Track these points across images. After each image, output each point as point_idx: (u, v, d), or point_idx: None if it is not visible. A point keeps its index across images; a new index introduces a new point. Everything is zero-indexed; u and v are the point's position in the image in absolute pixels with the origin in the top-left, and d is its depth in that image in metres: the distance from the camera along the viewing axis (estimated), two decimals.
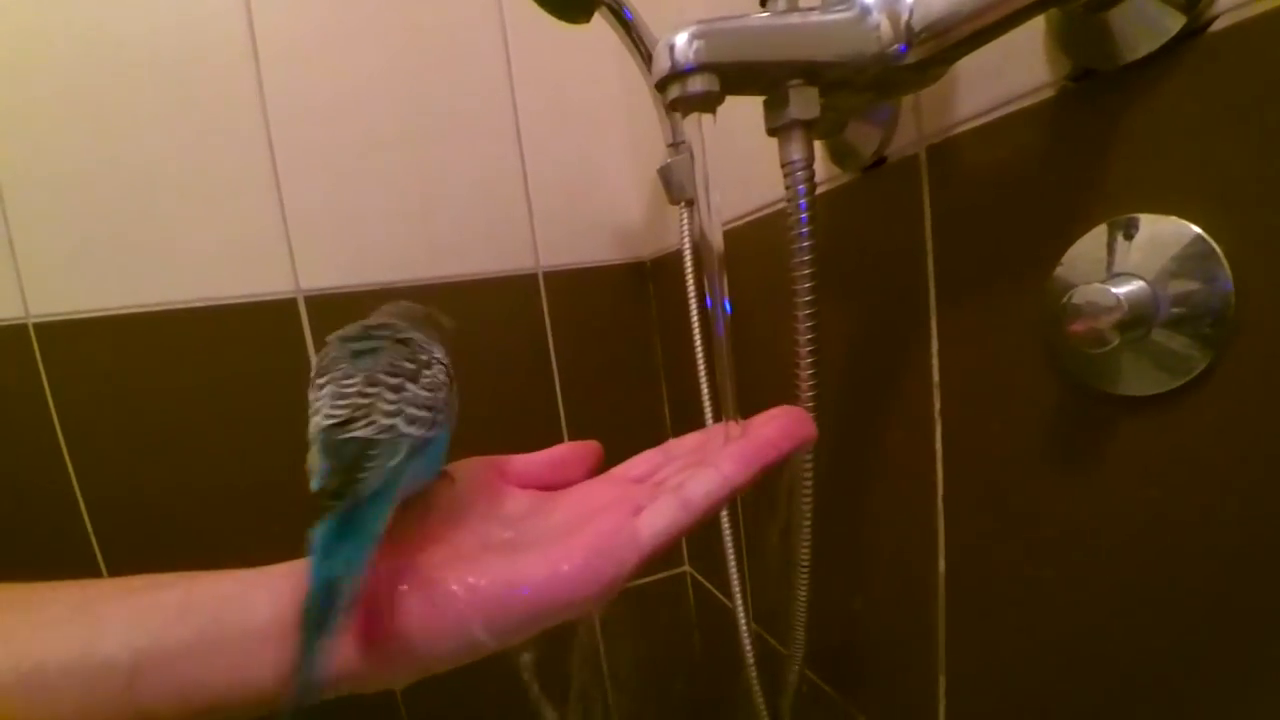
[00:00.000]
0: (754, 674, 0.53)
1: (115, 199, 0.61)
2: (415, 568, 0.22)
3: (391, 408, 0.26)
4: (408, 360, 0.28)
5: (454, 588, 0.21)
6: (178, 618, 0.21)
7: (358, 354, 0.28)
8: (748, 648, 0.55)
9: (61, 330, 0.60)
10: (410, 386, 0.27)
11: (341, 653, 0.20)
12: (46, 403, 0.60)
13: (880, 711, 0.50)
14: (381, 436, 0.24)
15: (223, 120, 0.63)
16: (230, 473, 0.66)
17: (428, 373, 0.28)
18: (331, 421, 0.25)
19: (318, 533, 0.22)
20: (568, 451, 0.31)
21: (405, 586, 0.21)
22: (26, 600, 0.21)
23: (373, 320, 0.31)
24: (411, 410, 0.26)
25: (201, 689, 0.20)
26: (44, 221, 0.59)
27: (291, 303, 0.67)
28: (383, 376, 0.26)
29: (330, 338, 0.29)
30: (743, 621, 0.56)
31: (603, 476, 0.30)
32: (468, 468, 0.29)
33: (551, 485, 0.30)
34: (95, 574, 0.62)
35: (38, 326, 0.59)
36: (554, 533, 0.24)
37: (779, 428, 0.26)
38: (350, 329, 0.30)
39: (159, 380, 0.63)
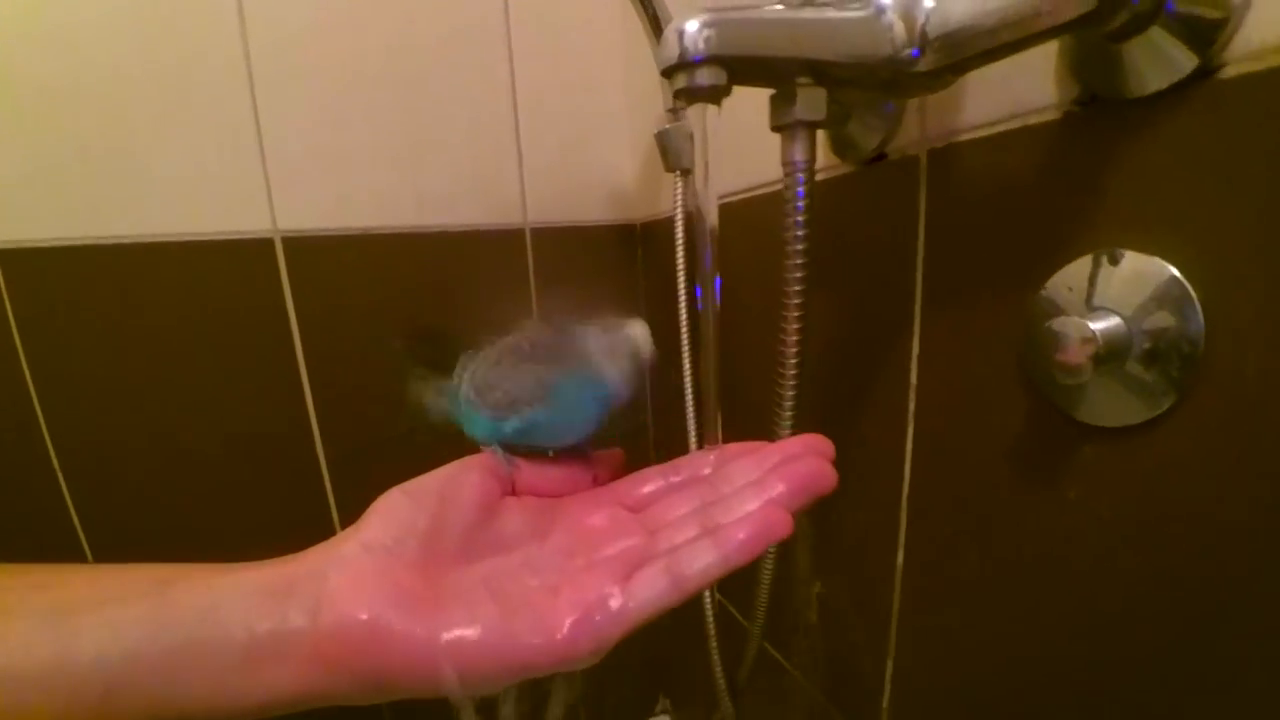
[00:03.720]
0: (714, 644, 0.55)
1: (83, 123, 0.57)
2: (404, 604, 0.22)
3: None
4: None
5: (427, 639, 0.21)
6: (152, 635, 0.20)
7: None
8: (710, 617, 0.57)
9: (26, 258, 0.58)
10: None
11: (308, 675, 0.21)
12: (11, 331, 0.58)
13: (831, 687, 0.53)
14: None
15: (200, 44, 0.59)
16: (202, 416, 0.65)
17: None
18: None
19: None
20: (587, 463, 0.31)
21: (386, 624, 0.21)
22: None
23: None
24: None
25: (174, 704, 0.20)
26: (7, 144, 0.56)
27: (268, 243, 0.65)
28: None
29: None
30: (707, 591, 0.58)
31: (603, 494, 0.29)
32: (467, 474, 0.28)
33: (556, 493, 0.29)
34: (64, 517, 0.62)
35: (1, 253, 0.57)
36: (544, 579, 0.23)
37: (798, 480, 0.24)
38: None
39: (128, 317, 0.62)
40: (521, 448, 0.31)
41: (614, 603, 0.22)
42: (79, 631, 0.20)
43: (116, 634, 0.20)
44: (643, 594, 0.22)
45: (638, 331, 0.32)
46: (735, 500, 0.25)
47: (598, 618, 0.21)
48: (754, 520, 0.23)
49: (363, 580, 0.22)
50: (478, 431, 0.32)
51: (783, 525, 0.23)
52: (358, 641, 0.21)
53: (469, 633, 0.21)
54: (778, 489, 0.24)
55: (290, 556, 0.24)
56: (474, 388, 0.32)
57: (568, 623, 0.21)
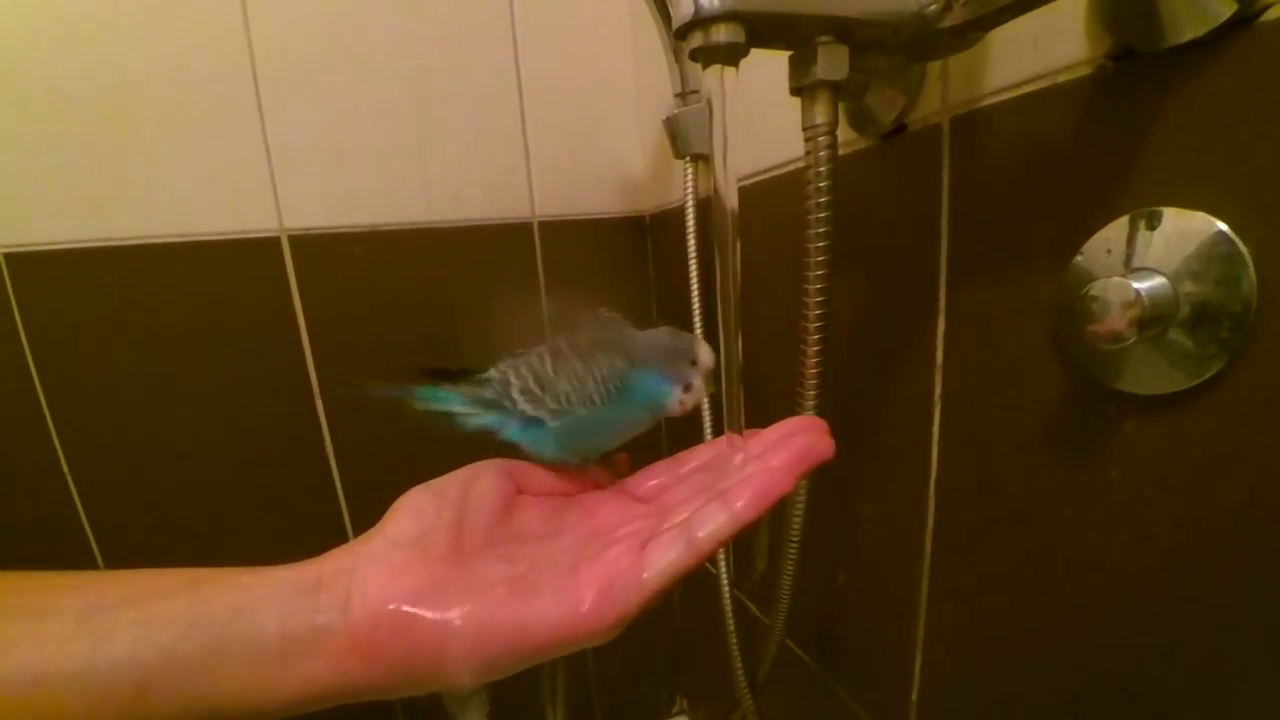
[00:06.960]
0: (734, 640, 0.54)
1: (89, 124, 0.57)
2: (434, 591, 0.22)
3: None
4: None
5: (458, 623, 0.21)
6: (186, 631, 0.21)
7: None
8: (729, 614, 0.56)
9: (32, 261, 0.57)
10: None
11: (343, 666, 0.21)
12: (19, 336, 0.58)
13: (855, 684, 0.51)
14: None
15: (204, 42, 0.59)
16: (211, 416, 0.65)
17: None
18: None
19: None
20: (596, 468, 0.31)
21: (418, 610, 0.21)
22: (27, 607, 0.21)
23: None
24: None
25: (208, 700, 0.21)
26: (13, 146, 0.56)
27: (274, 242, 0.65)
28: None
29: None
30: (726, 588, 0.57)
31: (612, 490, 0.30)
32: (484, 474, 0.28)
33: (566, 492, 0.30)
34: (73, 518, 0.61)
35: (8, 256, 0.57)
36: (564, 564, 0.24)
37: (796, 451, 0.24)
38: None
39: (134, 319, 0.61)
40: (545, 454, 0.31)
41: (632, 572, 0.22)
42: (113, 629, 0.20)
43: (150, 631, 0.20)
44: (659, 560, 0.22)
45: (703, 346, 0.32)
46: (738, 475, 0.25)
47: (618, 588, 0.21)
48: (757, 479, 0.23)
49: (391, 572, 0.23)
50: (522, 434, 0.31)
51: (786, 482, 0.23)
52: (388, 630, 0.21)
53: (496, 615, 0.22)
54: (776, 460, 0.24)
55: (317, 557, 0.24)
56: (523, 388, 0.31)
57: (590, 595, 0.21)
